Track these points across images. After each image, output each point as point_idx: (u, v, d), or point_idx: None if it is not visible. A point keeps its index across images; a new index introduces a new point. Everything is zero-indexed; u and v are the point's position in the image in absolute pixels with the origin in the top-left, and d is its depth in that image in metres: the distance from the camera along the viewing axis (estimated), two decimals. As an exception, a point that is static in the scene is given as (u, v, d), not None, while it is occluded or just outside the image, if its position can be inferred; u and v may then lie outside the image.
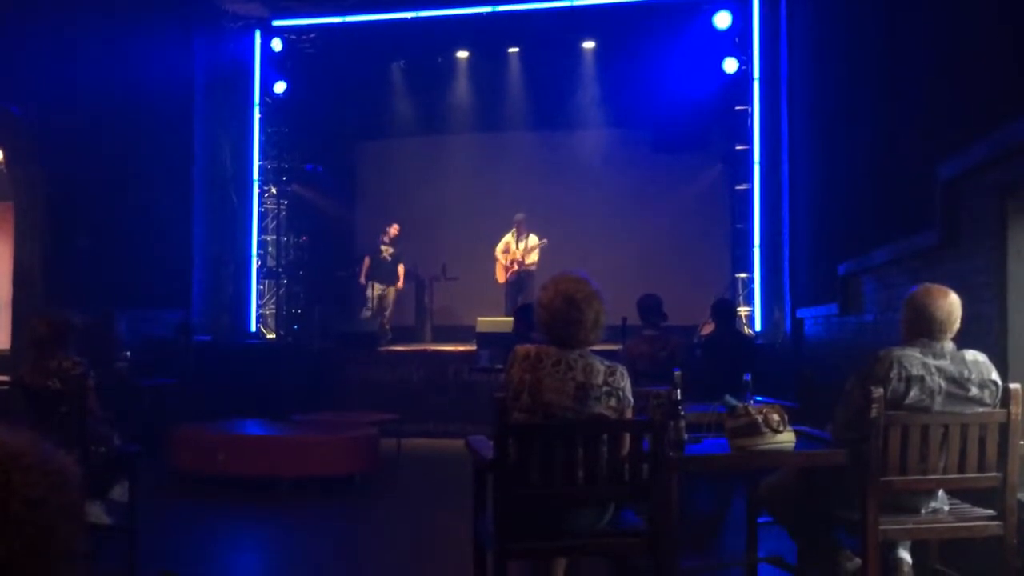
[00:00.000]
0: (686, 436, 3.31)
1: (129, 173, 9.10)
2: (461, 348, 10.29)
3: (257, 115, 11.74)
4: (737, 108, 10.58)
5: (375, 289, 11.68)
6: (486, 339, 9.50)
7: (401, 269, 11.78)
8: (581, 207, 12.07)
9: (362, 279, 11.77)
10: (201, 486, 6.78)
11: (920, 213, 4.83)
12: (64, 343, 4.80)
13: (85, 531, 0.96)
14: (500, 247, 11.40)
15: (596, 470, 2.97)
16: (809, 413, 4.70)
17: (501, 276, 11.39)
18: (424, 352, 10.49)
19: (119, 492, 4.87)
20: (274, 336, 11.68)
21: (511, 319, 8.74)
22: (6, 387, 5.26)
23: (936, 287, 3.31)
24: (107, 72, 8.78)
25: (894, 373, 3.18)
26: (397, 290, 11.86)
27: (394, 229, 11.76)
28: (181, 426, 7.26)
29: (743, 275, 10.63)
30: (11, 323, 9.28)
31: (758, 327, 10.11)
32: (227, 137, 11.32)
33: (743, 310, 10.21)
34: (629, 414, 3.15)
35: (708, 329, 8.38)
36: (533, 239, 11.23)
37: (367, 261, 11.78)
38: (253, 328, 11.57)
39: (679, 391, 3.34)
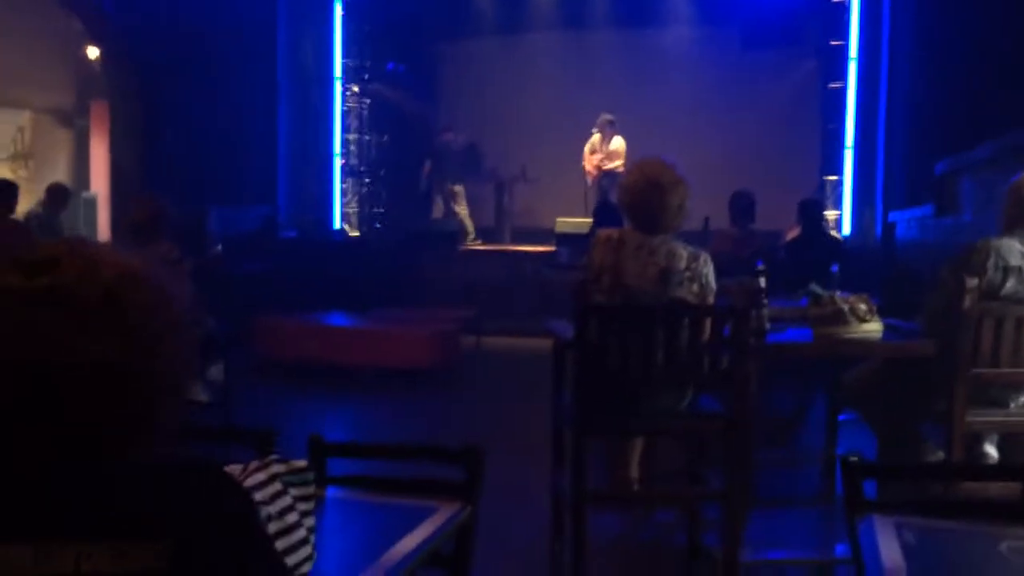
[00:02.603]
0: (768, 326, 3.28)
1: (217, 71, 9.22)
2: (540, 248, 10.31)
3: (339, 12, 11.69)
4: (834, 0, 10.04)
5: (448, 187, 11.66)
6: (565, 240, 9.50)
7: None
8: (666, 106, 11.75)
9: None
10: (289, 371, 7.07)
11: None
12: (161, 229, 4.97)
13: (197, 384, 1.03)
14: (587, 148, 11.19)
15: (676, 354, 2.98)
16: (899, 315, 4.59)
17: (590, 178, 11.23)
18: (503, 252, 10.54)
19: (215, 372, 5.10)
20: (357, 233, 11.89)
21: (590, 220, 8.68)
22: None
23: (1042, 175, 3.15)
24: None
25: (991, 263, 3.07)
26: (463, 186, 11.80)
27: (449, 136, 11.66)
28: (270, 315, 7.54)
29: (832, 177, 10.29)
30: (109, 217, 9.70)
31: (847, 231, 9.83)
32: (309, 35, 11.33)
33: (831, 214, 9.92)
34: (711, 300, 3.13)
35: (793, 234, 8.18)
36: (618, 141, 10.96)
37: (428, 166, 11.71)
38: (337, 225, 11.79)
39: (763, 280, 3.29)
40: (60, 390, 0.91)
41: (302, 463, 1.55)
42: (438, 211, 11.74)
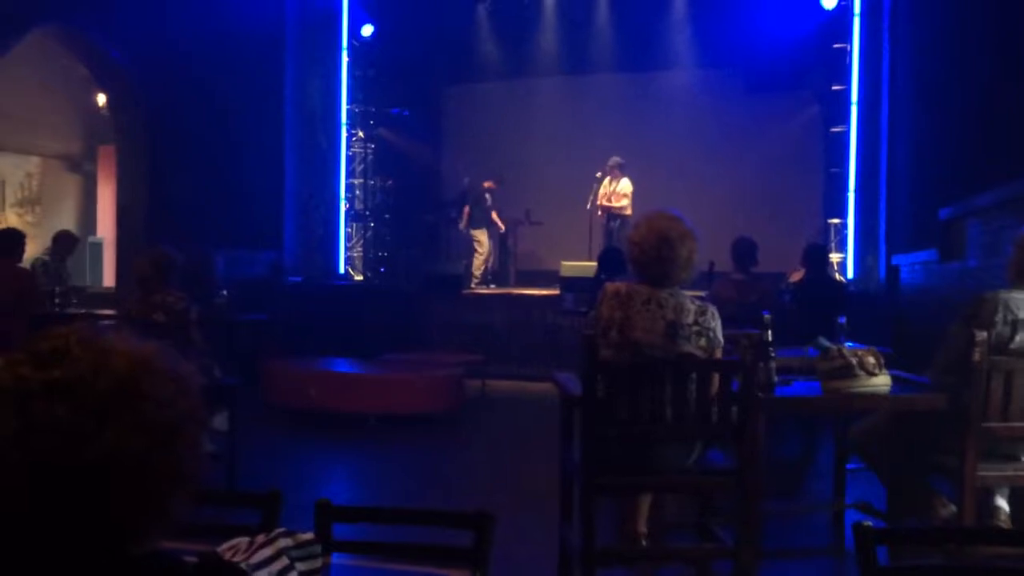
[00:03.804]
0: (776, 378, 3.27)
1: (224, 117, 9.31)
2: (545, 292, 10.32)
3: (345, 58, 11.83)
4: (835, 46, 10.15)
5: (480, 234, 11.70)
6: (570, 283, 9.49)
7: (494, 215, 11.79)
8: (670, 150, 11.84)
9: (462, 226, 11.79)
10: (293, 418, 7.03)
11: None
12: (168, 279, 5.01)
13: (207, 433, 1.02)
14: (600, 191, 11.22)
15: (684, 409, 2.96)
16: (905, 361, 4.57)
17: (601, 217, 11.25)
18: (508, 296, 10.55)
19: (219, 422, 5.08)
20: (362, 278, 11.92)
21: (595, 263, 8.68)
22: (113, 321, 5.54)
23: (1049, 228, 3.16)
24: (201, 14, 8.95)
25: (999, 316, 3.06)
26: (500, 233, 11.86)
27: (490, 183, 11.72)
28: (275, 361, 7.53)
29: (836, 221, 10.32)
30: (116, 262, 9.73)
31: (850, 274, 9.82)
32: (316, 81, 11.46)
33: (835, 257, 9.93)
34: (719, 354, 3.12)
35: (797, 276, 8.18)
36: (625, 184, 11.03)
37: (467, 210, 11.77)
38: (342, 270, 11.82)
39: (770, 332, 3.28)
40: (74, 485, 0.90)
41: (309, 535, 1.53)
42: (469, 255, 11.78)
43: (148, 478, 0.93)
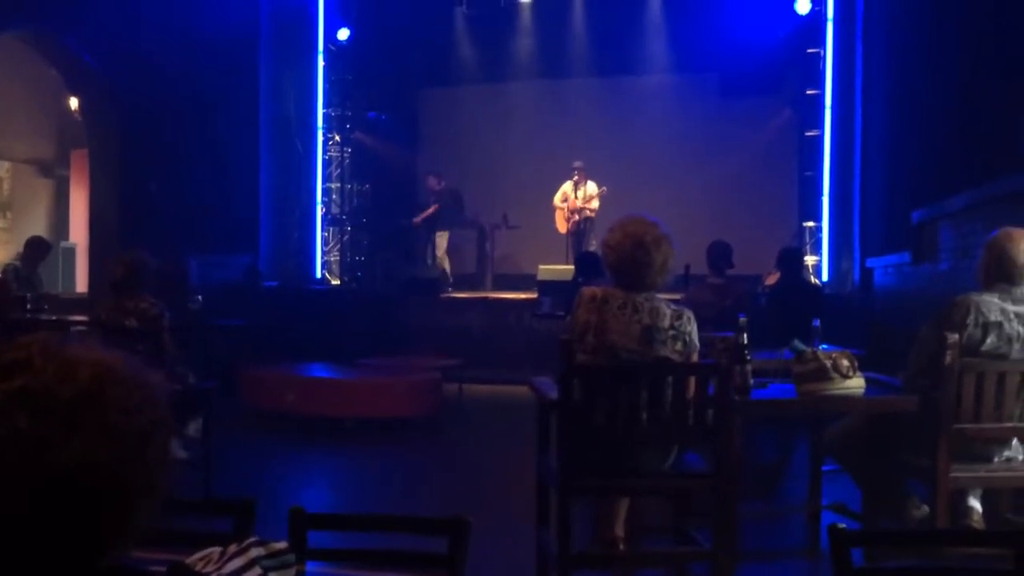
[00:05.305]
0: (752, 381, 3.28)
1: (198, 120, 9.24)
2: (522, 296, 10.31)
3: (321, 62, 11.78)
4: (809, 51, 10.26)
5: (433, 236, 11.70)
6: (547, 287, 9.50)
7: (433, 209, 11.66)
8: (645, 154, 11.89)
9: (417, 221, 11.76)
10: (270, 423, 6.98)
11: (1004, 157, 4.64)
12: (141, 284, 4.94)
13: (176, 440, 1.00)
14: (558, 196, 11.28)
15: (660, 413, 2.97)
16: (879, 363, 4.60)
17: (562, 226, 11.31)
18: (485, 299, 10.53)
19: (194, 428, 5.03)
20: (338, 282, 11.86)
21: (572, 267, 8.70)
22: (85, 327, 5.47)
23: (1018, 230, 3.20)
24: (175, 18, 8.87)
25: (971, 319, 3.09)
26: (438, 234, 11.80)
27: (433, 181, 11.68)
28: (252, 366, 7.47)
29: (811, 224, 10.41)
30: (88, 267, 9.63)
31: (825, 277, 9.91)
32: (291, 84, 11.41)
33: (810, 260, 10.02)
34: (695, 358, 3.13)
35: (773, 279, 8.24)
36: (592, 187, 11.10)
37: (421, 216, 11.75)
38: (318, 274, 11.76)
39: (745, 336, 3.30)
40: (40, 496, 0.88)
41: (282, 544, 1.51)
42: (430, 258, 11.75)
43: (116, 488, 0.92)
